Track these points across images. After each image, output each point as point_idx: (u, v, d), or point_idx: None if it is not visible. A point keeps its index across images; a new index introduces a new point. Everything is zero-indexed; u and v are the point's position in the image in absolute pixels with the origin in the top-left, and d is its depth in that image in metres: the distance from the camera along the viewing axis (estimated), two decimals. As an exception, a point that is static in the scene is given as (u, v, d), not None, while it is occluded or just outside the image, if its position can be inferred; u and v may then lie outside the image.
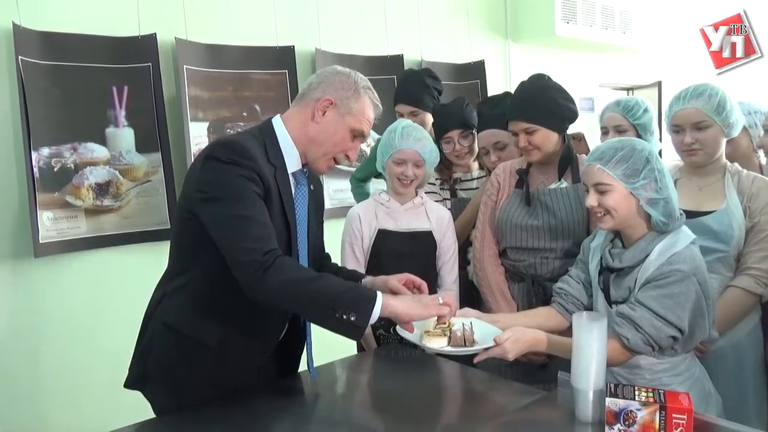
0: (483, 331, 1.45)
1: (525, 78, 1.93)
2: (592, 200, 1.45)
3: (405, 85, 2.57)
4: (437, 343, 1.42)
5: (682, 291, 1.36)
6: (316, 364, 1.64)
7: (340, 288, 1.32)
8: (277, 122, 1.49)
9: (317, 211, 1.64)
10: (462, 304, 2.08)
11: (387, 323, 1.99)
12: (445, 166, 2.34)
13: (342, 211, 3.19)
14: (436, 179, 2.37)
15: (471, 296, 2.19)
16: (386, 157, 2.01)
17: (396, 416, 1.44)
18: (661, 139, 5.10)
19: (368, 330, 2.01)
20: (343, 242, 2.05)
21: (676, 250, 1.39)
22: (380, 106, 1.54)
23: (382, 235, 1.99)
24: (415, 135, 1.98)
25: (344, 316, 1.28)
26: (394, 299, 1.35)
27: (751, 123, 2.07)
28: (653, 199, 1.41)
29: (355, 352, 2.14)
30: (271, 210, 1.39)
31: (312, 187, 1.59)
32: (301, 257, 1.51)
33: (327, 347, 2.26)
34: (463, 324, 1.44)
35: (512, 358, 1.38)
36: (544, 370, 1.81)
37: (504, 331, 1.39)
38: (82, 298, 2.48)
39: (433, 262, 2.03)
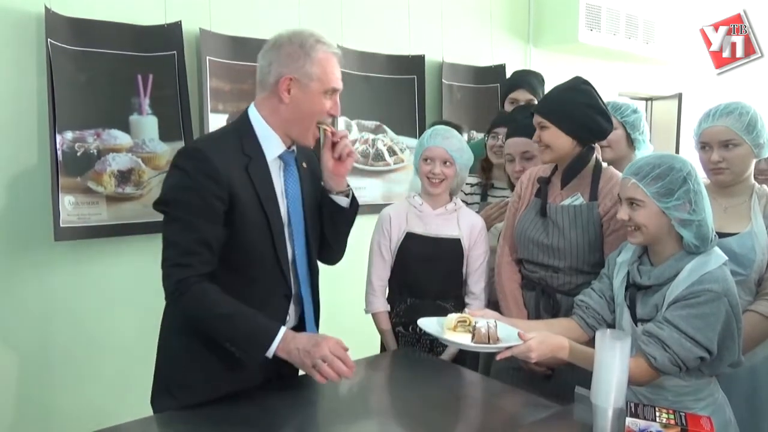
0: (506, 331, 1.45)
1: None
2: (623, 214, 1.45)
3: (525, 76, 2.69)
4: (460, 339, 1.43)
5: (712, 311, 1.35)
6: None
7: (240, 330, 1.39)
8: (252, 111, 1.50)
9: (314, 187, 1.63)
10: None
11: (406, 321, 2.03)
12: (485, 168, 2.38)
13: (360, 209, 3.21)
14: (472, 185, 2.39)
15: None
16: (417, 157, 2.05)
17: (407, 422, 1.44)
18: (677, 150, 5.11)
19: (389, 330, 2.04)
20: (372, 241, 2.09)
21: (707, 269, 1.38)
22: (337, 51, 1.49)
23: (409, 238, 2.02)
24: (443, 134, 2.02)
25: (240, 352, 1.41)
26: (296, 341, 1.36)
27: None
28: (686, 220, 1.39)
29: (377, 351, 2.16)
30: (243, 206, 1.41)
31: (305, 164, 1.60)
32: (296, 235, 1.53)
33: (349, 346, 2.29)
34: (488, 322, 1.44)
35: (535, 359, 1.38)
36: (548, 381, 1.82)
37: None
38: (99, 284, 2.49)
39: (458, 269, 2.04)
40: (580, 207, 1.78)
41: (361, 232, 2.18)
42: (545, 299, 1.84)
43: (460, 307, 2.06)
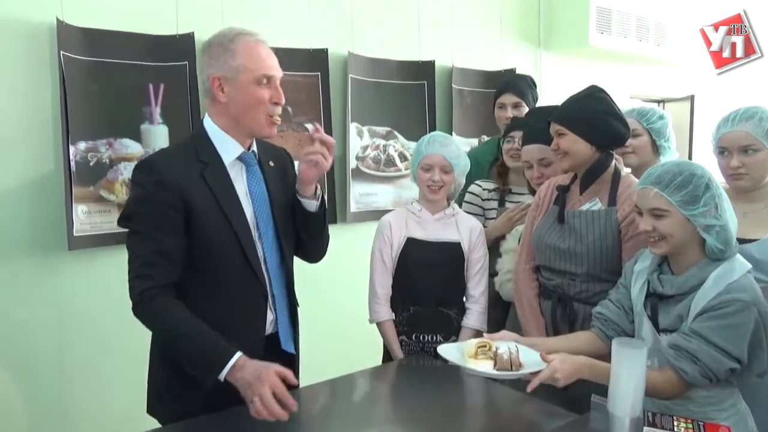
0: (528, 355, 1.43)
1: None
2: (646, 225, 1.42)
3: (512, 80, 2.76)
4: (483, 367, 1.41)
5: (741, 321, 1.32)
6: (338, 374, 1.68)
7: (196, 350, 1.38)
8: (207, 120, 1.53)
9: (284, 185, 1.62)
10: (488, 312, 2.09)
11: (408, 330, 2.02)
12: (502, 173, 2.38)
13: (368, 215, 3.21)
14: (489, 191, 2.37)
15: (499, 304, 2.20)
16: (415, 165, 2.06)
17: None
18: (691, 152, 5.06)
19: (395, 340, 2.03)
20: (373, 249, 2.08)
21: (733, 278, 1.35)
22: (261, 38, 1.49)
23: (411, 244, 2.02)
24: (441, 141, 2.03)
25: (192, 369, 1.40)
26: (243, 371, 1.33)
27: None
28: (710, 226, 1.37)
29: (380, 360, 2.15)
30: (200, 211, 1.44)
31: (271, 163, 1.61)
32: (265, 235, 1.53)
33: (352, 357, 2.27)
34: (509, 347, 1.43)
35: (563, 382, 1.35)
36: (564, 389, 1.79)
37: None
38: (112, 291, 2.49)
39: (460, 273, 2.05)
40: (598, 212, 1.78)
41: (370, 239, 2.17)
42: (562, 308, 1.82)
43: (462, 314, 2.05)
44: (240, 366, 1.34)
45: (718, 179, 1.84)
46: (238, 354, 1.36)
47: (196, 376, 1.40)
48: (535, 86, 2.75)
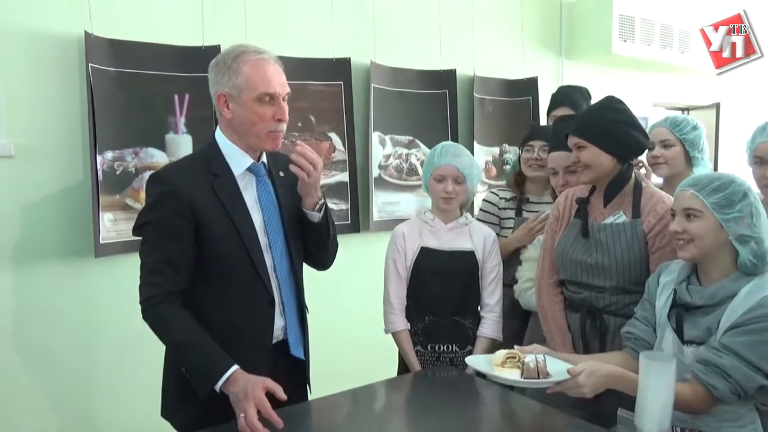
0: (556, 365, 1.42)
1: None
2: (676, 225, 1.40)
3: (566, 93, 2.68)
4: (510, 375, 1.40)
5: None
6: (353, 385, 1.68)
7: (195, 359, 1.43)
8: (218, 133, 1.58)
9: (295, 194, 1.64)
10: (506, 323, 2.08)
11: (424, 340, 2.02)
12: (519, 181, 2.36)
13: (391, 224, 3.20)
14: (507, 200, 2.35)
15: (517, 315, 2.18)
16: (428, 175, 2.06)
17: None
18: (716, 161, 4.98)
19: (412, 350, 2.03)
20: (386, 258, 2.09)
21: (766, 293, 1.32)
22: (266, 55, 1.50)
23: (425, 253, 2.02)
24: (453, 151, 2.03)
25: (190, 377, 1.43)
26: (236, 385, 1.36)
27: None
28: (744, 236, 1.35)
29: (395, 370, 2.13)
30: (209, 222, 1.48)
31: (281, 173, 1.63)
32: (275, 244, 1.57)
33: (375, 364, 2.27)
34: (536, 357, 1.41)
35: (589, 394, 1.33)
36: (592, 401, 1.77)
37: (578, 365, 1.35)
38: (137, 297, 2.53)
39: (474, 281, 2.04)
40: (623, 224, 1.75)
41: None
42: (591, 320, 1.79)
43: (477, 323, 2.05)
44: (233, 380, 1.37)
45: (754, 190, 1.82)
46: (234, 367, 1.38)
47: (192, 384, 1.42)
48: (590, 98, 2.67)
